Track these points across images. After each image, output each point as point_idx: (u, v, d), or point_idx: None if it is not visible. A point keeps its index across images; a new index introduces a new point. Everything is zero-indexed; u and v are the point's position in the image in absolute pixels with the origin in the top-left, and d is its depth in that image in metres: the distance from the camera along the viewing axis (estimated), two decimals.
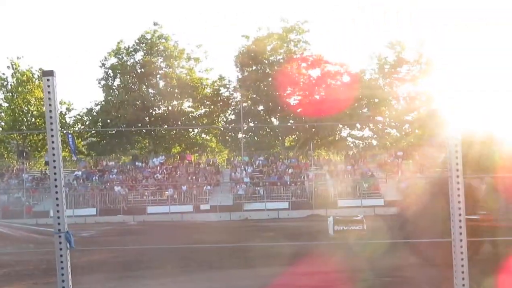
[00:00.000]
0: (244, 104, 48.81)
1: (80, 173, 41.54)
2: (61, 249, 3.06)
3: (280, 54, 49.13)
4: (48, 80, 3.08)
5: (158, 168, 42.49)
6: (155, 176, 41.01)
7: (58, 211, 3.07)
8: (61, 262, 3.04)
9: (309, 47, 48.77)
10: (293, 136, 51.94)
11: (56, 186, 3.05)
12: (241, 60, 48.94)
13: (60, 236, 3.07)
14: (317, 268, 10.04)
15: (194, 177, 40.73)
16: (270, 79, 47.66)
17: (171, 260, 13.10)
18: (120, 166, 44.25)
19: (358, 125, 49.08)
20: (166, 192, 38.80)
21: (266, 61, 49.20)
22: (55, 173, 3.06)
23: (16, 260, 14.61)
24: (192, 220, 33.39)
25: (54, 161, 3.06)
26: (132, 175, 41.75)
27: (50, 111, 3.05)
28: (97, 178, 40.80)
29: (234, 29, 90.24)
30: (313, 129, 46.95)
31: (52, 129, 3.05)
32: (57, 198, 3.05)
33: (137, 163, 43.86)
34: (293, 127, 49.02)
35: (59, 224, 3.08)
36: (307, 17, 50.56)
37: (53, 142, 3.05)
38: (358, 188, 37.15)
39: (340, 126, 48.78)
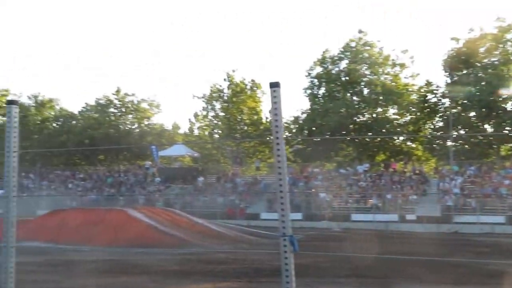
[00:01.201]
0: (454, 111, 46.07)
1: (287, 179, 43.23)
2: (285, 251, 3.20)
3: (495, 56, 45.35)
4: (274, 91, 3.26)
5: (362, 175, 42.31)
6: (359, 183, 40.92)
7: (283, 215, 3.22)
8: (286, 264, 3.18)
9: None
10: (510, 145, 47.42)
11: (281, 191, 3.21)
12: (450, 64, 46.33)
13: (285, 239, 3.22)
14: None
15: (399, 186, 39.65)
16: (483, 83, 44.27)
17: (376, 269, 12.90)
18: (325, 173, 45.07)
19: None
20: (370, 200, 38.44)
21: (479, 64, 45.81)
22: (280, 179, 3.23)
23: (232, 258, 15.80)
24: (397, 230, 32.52)
25: (279, 167, 3.23)
26: (336, 182, 42.24)
27: (276, 120, 3.23)
28: (302, 184, 42.13)
29: (442, 32, 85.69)
30: None
31: (277, 137, 3.22)
32: (282, 203, 3.21)
33: (341, 170, 44.25)
34: (510, 134, 44.77)
35: (284, 227, 3.23)
36: None
37: (278, 149, 3.22)
38: None
39: None
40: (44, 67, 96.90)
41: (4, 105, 59.51)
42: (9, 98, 61.64)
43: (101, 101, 59.80)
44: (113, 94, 59.63)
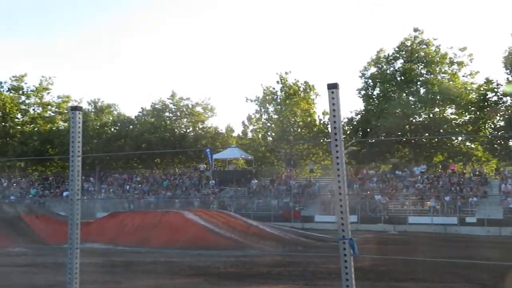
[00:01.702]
0: None
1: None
2: (345, 255, 3.16)
3: None
4: (332, 92, 3.22)
5: (419, 177, 41.34)
6: (416, 185, 40.01)
7: (342, 218, 3.18)
8: (346, 267, 3.13)
9: None
10: None
11: (340, 194, 3.17)
12: (511, 61, 44.63)
13: (344, 243, 3.17)
14: None
15: (458, 188, 38.50)
16: None
17: (435, 273, 12.57)
18: (380, 175, 44.34)
19: None
20: (428, 202, 37.53)
21: None
22: (339, 181, 3.18)
23: (287, 261, 15.76)
24: (456, 233, 31.61)
25: (338, 169, 3.19)
26: (392, 184, 41.46)
27: (334, 121, 3.18)
28: (357, 186, 41.60)
29: (502, 28, 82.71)
30: None
31: (336, 139, 3.18)
32: (341, 206, 3.17)
33: (397, 172, 43.40)
34: None
35: (343, 231, 3.19)
36: None
37: (337, 151, 3.18)
38: None
39: None
40: (103, 73, 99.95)
41: (65, 111, 61.93)
42: (70, 104, 64.02)
43: (157, 106, 61.05)
44: (168, 98, 60.80)
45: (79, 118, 3.85)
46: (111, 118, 64.62)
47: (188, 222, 22.00)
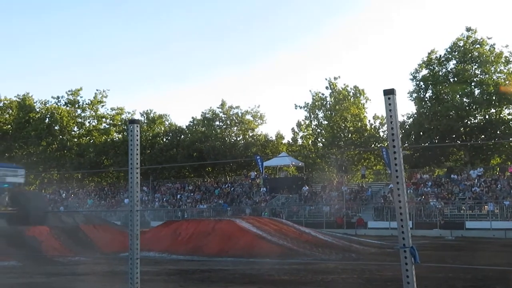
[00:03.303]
0: None
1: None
2: (406, 263, 3.09)
3: None
4: (389, 98, 3.17)
5: (476, 180, 40.08)
6: (472, 189, 38.79)
7: (402, 226, 3.11)
8: (407, 276, 3.06)
9: None
10: None
11: (400, 201, 3.10)
12: None
13: (405, 251, 3.10)
14: None
15: None
16: None
17: (498, 281, 12.13)
18: (435, 179, 43.28)
19: None
20: (485, 206, 36.32)
21: None
22: (398, 189, 3.12)
23: (341, 268, 15.57)
24: None
25: (397, 177, 3.13)
26: (447, 188, 40.37)
27: (392, 128, 3.13)
28: (411, 191, 40.72)
29: None
30: None
31: (394, 146, 3.12)
32: (401, 214, 3.11)
33: (452, 176, 42.23)
34: None
35: (403, 239, 3.12)
36: None
37: (395, 158, 3.12)
38: None
39: None
40: (155, 84, 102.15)
41: (119, 123, 63.55)
42: (123, 116, 65.62)
43: (207, 115, 61.85)
44: (218, 107, 61.49)
45: (137, 131, 3.93)
46: (163, 129, 65.85)
47: (240, 230, 22.07)
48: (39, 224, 23.13)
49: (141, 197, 51.96)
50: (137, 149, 3.88)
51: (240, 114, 61.05)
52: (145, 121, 65.21)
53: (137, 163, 3.88)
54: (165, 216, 44.58)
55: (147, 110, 66.19)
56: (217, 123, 61.79)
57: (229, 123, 61.39)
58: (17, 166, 35.38)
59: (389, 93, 3.16)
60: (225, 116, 61.48)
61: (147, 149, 59.17)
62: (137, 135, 3.91)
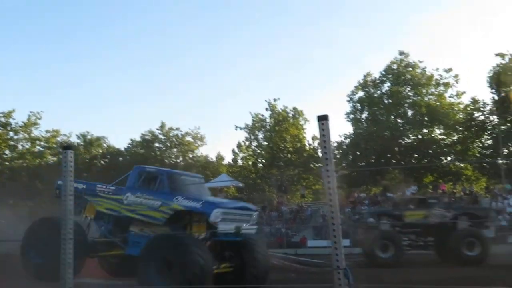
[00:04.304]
0: (503, 127, 44.83)
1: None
2: (340, 284, 3.16)
3: None
4: (322, 124, 3.27)
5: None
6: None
7: (336, 248, 3.20)
8: None
9: None
10: None
11: (333, 224, 3.19)
12: (496, 80, 45.32)
13: (339, 272, 3.18)
14: None
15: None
16: None
17: None
18: (371, 197, 44.35)
19: None
20: None
21: None
22: (332, 211, 3.21)
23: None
24: None
25: (330, 200, 3.22)
26: (384, 206, 41.41)
27: (326, 153, 3.23)
28: (349, 210, 41.50)
29: (487, 48, 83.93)
30: None
31: (328, 170, 3.22)
32: (335, 236, 3.19)
33: (388, 194, 43.43)
34: None
35: (337, 260, 3.20)
36: None
37: (329, 182, 3.22)
38: None
39: None
40: (91, 105, 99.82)
41: (54, 145, 61.31)
42: (59, 138, 63.63)
43: (146, 137, 61.13)
44: (158, 129, 60.95)
45: (71, 157, 3.85)
46: (100, 151, 64.41)
47: None
48: None
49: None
50: (70, 176, 3.81)
51: (180, 136, 60.74)
52: (82, 143, 63.56)
53: (70, 190, 3.80)
54: None
55: (84, 132, 64.71)
56: (157, 144, 61.18)
57: (168, 144, 60.91)
58: None
59: (322, 119, 3.26)
60: (164, 138, 60.99)
61: (84, 172, 57.56)
62: (70, 162, 3.83)
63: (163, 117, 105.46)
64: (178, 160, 60.73)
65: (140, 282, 12.22)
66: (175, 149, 61.06)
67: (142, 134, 61.62)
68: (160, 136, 61.10)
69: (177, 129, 60.88)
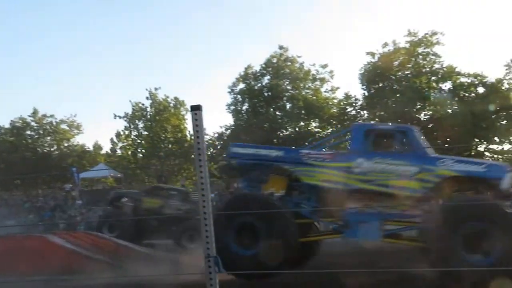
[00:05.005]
0: (372, 122, 47.90)
1: (213, 195, 43.11)
2: (210, 272, 3.23)
3: (408, 69, 47.64)
4: (195, 114, 3.30)
5: None
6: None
7: (207, 237, 3.25)
8: (211, 285, 3.21)
9: (439, 60, 46.69)
10: None
11: (205, 213, 3.24)
12: (367, 77, 48.21)
13: (209, 261, 3.24)
14: None
15: None
16: (398, 95, 46.34)
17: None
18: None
19: (496, 139, 45.77)
20: None
21: (393, 77, 47.94)
22: (204, 201, 3.26)
23: (160, 281, 15.46)
24: None
25: (202, 189, 3.26)
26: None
27: (198, 143, 3.27)
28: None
29: (359, 47, 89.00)
30: (446, 145, 44.66)
31: (200, 160, 3.26)
32: (206, 225, 3.24)
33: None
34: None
35: (208, 249, 3.26)
36: (436, 28, 48.36)
37: (201, 171, 3.26)
38: None
39: (476, 140, 45.88)
40: None
41: None
42: None
43: (17, 124, 57.42)
44: (30, 116, 57.47)
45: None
46: None
47: (53, 246, 20.77)
48: None
49: None
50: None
51: (54, 123, 57.75)
52: None
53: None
54: None
55: None
56: (28, 132, 57.69)
57: (41, 132, 57.68)
58: None
59: (195, 109, 3.29)
60: (37, 125, 57.65)
61: None
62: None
63: (36, 104, 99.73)
64: (51, 149, 57.75)
65: None
66: (48, 137, 57.95)
67: (12, 121, 57.78)
68: (32, 123, 57.67)
69: (52, 116, 57.86)
